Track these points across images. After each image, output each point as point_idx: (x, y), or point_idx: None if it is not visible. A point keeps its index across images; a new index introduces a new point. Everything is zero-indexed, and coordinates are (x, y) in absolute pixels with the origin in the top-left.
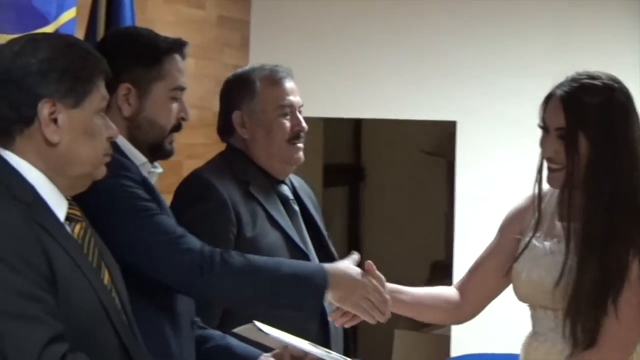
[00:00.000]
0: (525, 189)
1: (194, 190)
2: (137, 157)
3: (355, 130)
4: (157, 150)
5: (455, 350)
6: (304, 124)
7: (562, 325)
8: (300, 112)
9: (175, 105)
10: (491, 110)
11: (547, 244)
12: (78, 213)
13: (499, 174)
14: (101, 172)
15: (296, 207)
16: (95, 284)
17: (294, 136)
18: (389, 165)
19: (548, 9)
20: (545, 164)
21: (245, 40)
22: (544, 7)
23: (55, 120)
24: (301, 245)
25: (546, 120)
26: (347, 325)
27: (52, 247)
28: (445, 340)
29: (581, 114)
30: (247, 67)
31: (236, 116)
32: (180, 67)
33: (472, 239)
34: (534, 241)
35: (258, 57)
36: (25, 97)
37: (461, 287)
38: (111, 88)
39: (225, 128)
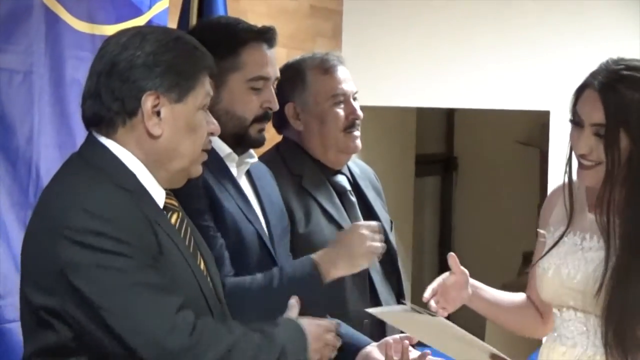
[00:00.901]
0: None
1: None
2: (222, 148)
3: (448, 120)
4: (241, 140)
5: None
6: (358, 111)
7: (603, 331)
8: (355, 99)
9: (256, 96)
10: None
11: (576, 238)
12: (175, 203)
13: None
14: (197, 170)
15: (353, 199)
16: (195, 271)
17: (349, 125)
18: (481, 155)
19: None
20: (575, 157)
21: (338, 30)
22: None
23: (158, 114)
24: None
25: (580, 114)
26: None
27: (158, 231)
28: None
29: (622, 109)
30: (298, 57)
31: (289, 108)
32: (263, 56)
33: None
34: (564, 237)
35: (350, 47)
36: (130, 89)
37: (527, 293)
38: None
39: (279, 120)
